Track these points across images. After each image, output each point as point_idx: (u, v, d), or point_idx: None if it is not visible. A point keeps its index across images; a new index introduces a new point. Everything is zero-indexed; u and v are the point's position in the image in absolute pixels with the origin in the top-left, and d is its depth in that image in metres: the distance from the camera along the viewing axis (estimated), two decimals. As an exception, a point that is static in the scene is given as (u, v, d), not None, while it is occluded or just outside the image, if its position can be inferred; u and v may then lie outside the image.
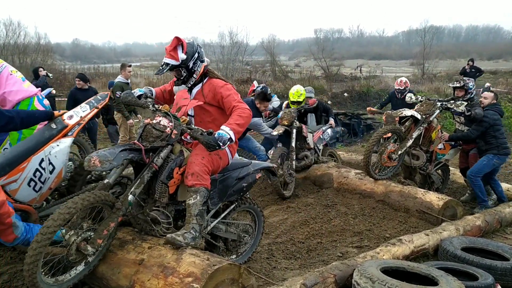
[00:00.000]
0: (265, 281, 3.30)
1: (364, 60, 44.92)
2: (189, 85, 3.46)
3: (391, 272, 3.13)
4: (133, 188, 2.98)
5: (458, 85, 5.99)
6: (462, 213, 5.12)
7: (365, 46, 71.58)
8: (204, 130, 3.12)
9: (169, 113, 3.19)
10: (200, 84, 3.47)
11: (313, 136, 6.78)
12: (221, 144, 3.01)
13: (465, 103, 5.63)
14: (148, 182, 3.11)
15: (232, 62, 26.68)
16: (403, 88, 8.18)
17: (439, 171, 6.36)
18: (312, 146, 6.70)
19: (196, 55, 3.37)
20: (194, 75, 3.41)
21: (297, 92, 6.91)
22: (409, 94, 6.36)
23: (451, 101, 5.79)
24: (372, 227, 4.92)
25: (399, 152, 5.56)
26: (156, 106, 3.28)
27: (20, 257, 3.55)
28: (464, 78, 6.38)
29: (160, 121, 3.13)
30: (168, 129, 3.10)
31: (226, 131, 3.07)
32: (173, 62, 3.30)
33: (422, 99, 6.08)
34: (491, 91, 6.33)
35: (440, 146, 6.14)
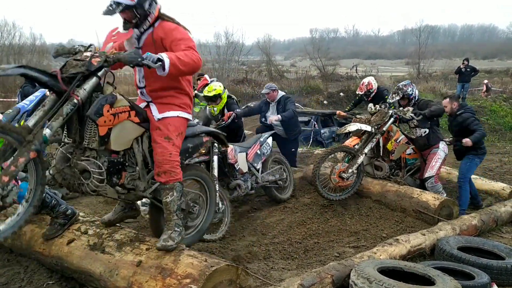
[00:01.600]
0: (262, 282, 3.31)
1: (360, 59, 45.08)
2: (142, 30, 3.04)
3: (388, 272, 3.14)
4: (49, 121, 2.54)
5: (398, 97, 5.75)
6: (458, 213, 5.15)
7: (360, 45, 71.84)
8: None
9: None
10: (151, 29, 3.04)
11: (247, 155, 5.31)
12: (144, 57, 2.67)
13: (411, 109, 5.46)
14: (75, 127, 2.77)
15: (228, 62, 26.73)
16: (363, 93, 7.31)
17: (416, 175, 6.07)
18: (245, 170, 5.26)
19: None
20: (149, 18, 2.99)
21: (213, 87, 6.26)
22: (370, 105, 5.94)
23: (400, 109, 5.60)
24: (368, 227, 4.94)
25: (350, 170, 5.24)
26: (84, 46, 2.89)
27: (17, 259, 3.55)
28: (399, 85, 5.82)
29: (82, 55, 2.76)
30: (88, 56, 2.71)
31: (161, 55, 2.74)
32: (126, 1, 2.83)
33: (378, 109, 5.73)
34: (450, 97, 5.83)
35: (409, 151, 5.82)
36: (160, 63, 2.73)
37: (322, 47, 31.96)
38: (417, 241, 4.12)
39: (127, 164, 3.04)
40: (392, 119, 5.46)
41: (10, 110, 4.41)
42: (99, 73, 2.75)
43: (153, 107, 3.10)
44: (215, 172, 4.58)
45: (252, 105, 8.09)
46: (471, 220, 4.74)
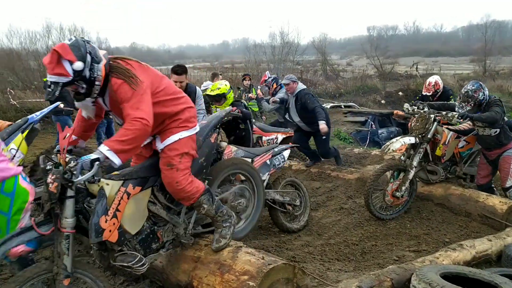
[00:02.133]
0: (319, 282, 3.30)
1: (421, 57, 43.28)
2: (94, 96, 2.69)
3: (451, 278, 3.02)
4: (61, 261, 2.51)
5: (469, 107, 4.85)
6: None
7: (421, 42, 68.91)
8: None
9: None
10: (107, 91, 2.70)
11: (252, 162, 4.62)
12: (76, 173, 2.43)
13: (456, 114, 4.72)
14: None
15: (283, 62, 26.71)
16: (430, 94, 6.95)
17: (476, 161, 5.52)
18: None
19: (89, 57, 2.55)
20: (97, 83, 2.61)
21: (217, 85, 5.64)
22: (405, 105, 5.38)
23: (443, 113, 4.91)
24: (430, 231, 4.76)
25: (404, 187, 4.98)
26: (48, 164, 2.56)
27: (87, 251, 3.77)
28: (469, 91, 4.87)
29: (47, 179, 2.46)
30: (50, 185, 2.43)
31: (101, 150, 2.49)
32: (62, 79, 2.48)
33: (416, 111, 5.20)
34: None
35: (461, 144, 5.33)
36: (98, 162, 2.47)
37: (380, 45, 31.18)
38: (483, 247, 3.93)
39: (156, 224, 2.97)
40: (435, 124, 5.03)
41: (20, 120, 4.55)
42: (69, 194, 2.49)
43: (157, 139, 2.94)
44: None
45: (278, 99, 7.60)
46: (543, 227, 4.44)
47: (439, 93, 6.99)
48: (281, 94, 7.77)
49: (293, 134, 6.71)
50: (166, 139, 2.88)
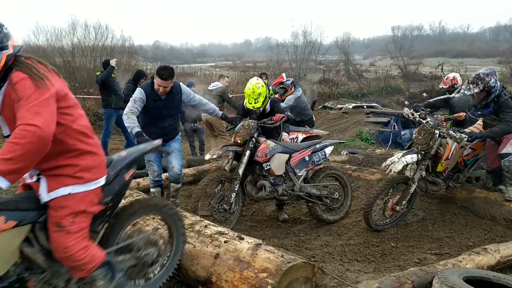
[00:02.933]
0: (338, 282, 3.27)
1: (446, 58, 42.56)
2: None
3: (475, 282, 2.95)
4: None
5: (477, 90, 4.43)
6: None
7: (447, 43, 67.68)
8: None
9: None
10: (5, 83, 2.14)
11: (290, 158, 4.80)
12: None
13: (465, 137, 4.38)
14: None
15: (306, 61, 26.62)
16: (446, 87, 6.75)
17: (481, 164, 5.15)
18: (278, 173, 4.72)
19: None
20: None
21: (253, 89, 4.94)
22: (405, 110, 4.91)
23: (451, 132, 4.48)
24: (453, 234, 4.67)
25: (405, 201, 4.67)
26: None
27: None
28: (480, 73, 4.50)
29: None
30: None
31: None
32: None
33: (418, 119, 4.74)
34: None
35: (466, 152, 4.85)
36: None
37: (405, 45, 30.76)
38: (508, 252, 3.83)
39: (30, 271, 2.30)
40: (438, 142, 4.57)
41: None
42: None
43: (43, 183, 2.28)
44: (241, 170, 4.55)
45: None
46: None
47: (457, 89, 6.79)
48: (291, 96, 7.71)
49: (314, 134, 6.65)
50: (54, 189, 2.24)
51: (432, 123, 4.59)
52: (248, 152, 4.62)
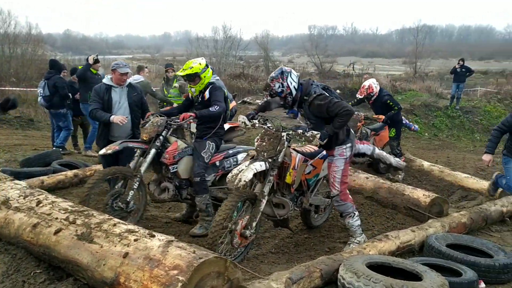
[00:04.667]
0: (251, 275, 3.31)
1: (358, 57, 45.01)
2: None
3: (377, 267, 3.15)
4: None
5: (266, 98, 4.24)
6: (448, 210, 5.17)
7: (358, 43, 71.78)
8: None
9: None
10: None
11: (204, 159, 4.49)
12: None
13: (318, 135, 3.82)
14: None
15: (226, 56, 26.65)
16: (363, 97, 7.17)
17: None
18: (185, 176, 4.52)
19: None
20: None
21: (189, 62, 4.69)
22: (240, 117, 4.24)
23: (299, 131, 3.96)
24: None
25: (255, 223, 3.85)
26: None
27: (5, 248, 3.52)
28: (270, 76, 4.20)
29: None
30: None
31: None
32: None
33: (258, 126, 4.18)
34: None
35: (308, 169, 4.28)
36: None
37: (320, 44, 32.00)
38: (407, 238, 4.14)
39: None
40: (286, 146, 3.99)
41: None
42: None
43: None
44: (144, 167, 4.34)
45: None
46: (460, 218, 4.77)
47: (374, 96, 7.18)
48: None
49: (237, 124, 6.25)
50: None
51: (277, 127, 4.16)
52: (153, 151, 4.41)
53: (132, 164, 4.45)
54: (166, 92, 8.55)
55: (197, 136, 4.75)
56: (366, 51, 61.92)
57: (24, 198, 3.75)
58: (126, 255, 2.83)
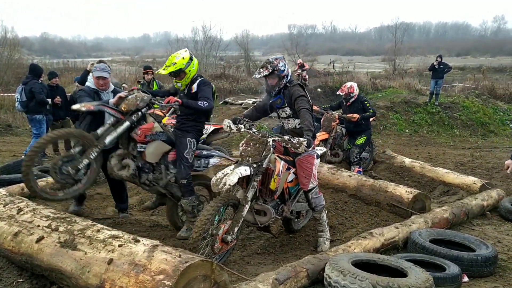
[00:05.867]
0: (238, 277, 3.31)
1: (337, 55, 45.45)
2: None
3: (362, 265, 3.18)
4: None
5: (266, 72, 4.16)
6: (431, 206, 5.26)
7: (338, 42, 72.43)
8: None
9: None
10: None
11: (171, 151, 4.47)
12: None
13: (305, 141, 3.74)
14: None
15: (206, 57, 26.57)
16: (343, 94, 7.38)
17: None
18: (150, 160, 4.39)
19: None
20: None
21: (172, 57, 4.55)
22: (225, 122, 4.22)
23: (286, 138, 3.88)
24: (344, 221, 5.00)
25: (237, 228, 3.76)
26: None
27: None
28: (269, 59, 4.34)
29: None
30: None
31: None
32: None
33: (244, 131, 4.16)
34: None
35: (290, 178, 4.24)
36: None
37: (300, 43, 32.16)
38: (391, 234, 4.19)
39: None
40: (271, 151, 3.94)
41: None
42: None
43: None
44: (108, 139, 4.13)
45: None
46: (442, 213, 4.85)
47: (353, 98, 7.38)
48: None
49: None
50: None
51: (262, 132, 4.11)
52: (126, 123, 4.21)
53: (100, 131, 4.18)
54: None
55: (177, 127, 4.61)
56: (345, 49, 62.58)
57: (4, 206, 3.67)
58: (110, 261, 2.80)
